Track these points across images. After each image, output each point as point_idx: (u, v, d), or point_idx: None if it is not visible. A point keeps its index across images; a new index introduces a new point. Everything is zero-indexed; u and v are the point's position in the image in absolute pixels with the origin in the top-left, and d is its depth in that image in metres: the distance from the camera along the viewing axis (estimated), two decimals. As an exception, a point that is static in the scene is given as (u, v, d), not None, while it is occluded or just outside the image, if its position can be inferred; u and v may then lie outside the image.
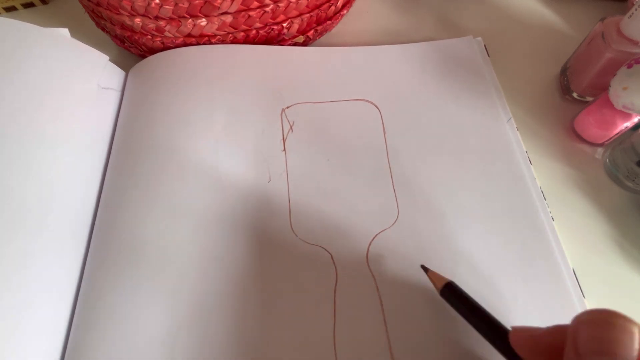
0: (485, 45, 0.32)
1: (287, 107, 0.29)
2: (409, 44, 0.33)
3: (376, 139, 0.28)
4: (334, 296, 0.22)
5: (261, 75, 0.30)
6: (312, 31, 0.33)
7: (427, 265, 0.22)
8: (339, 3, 0.33)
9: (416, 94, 0.30)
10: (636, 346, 0.11)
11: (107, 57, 0.29)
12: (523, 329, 0.15)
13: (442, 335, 0.21)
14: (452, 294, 0.20)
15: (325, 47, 0.32)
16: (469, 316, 0.19)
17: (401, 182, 0.26)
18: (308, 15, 0.31)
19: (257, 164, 0.26)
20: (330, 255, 0.23)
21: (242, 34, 0.30)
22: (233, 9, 0.28)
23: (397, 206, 0.25)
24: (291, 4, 0.29)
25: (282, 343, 0.21)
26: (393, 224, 0.24)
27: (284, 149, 0.27)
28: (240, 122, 0.28)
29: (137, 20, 0.28)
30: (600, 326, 0.12)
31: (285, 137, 0.27)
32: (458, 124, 0.28)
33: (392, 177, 0.26)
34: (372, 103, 0.29)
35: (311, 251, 0.23)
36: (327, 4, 0.32)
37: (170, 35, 0.30)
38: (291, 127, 0.28)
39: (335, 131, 0.28)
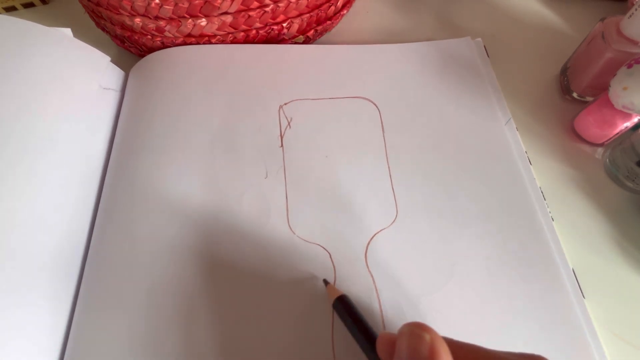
0: (484, 46, 0.32)
1: (285, 104, 0.29)
2: (408, 44, 0.33)
3: (375, 137, 0.27)
4: None
5: (259, 72, 0.30)
6: (312, 31, 0.33)
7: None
8: (339, 3, 0.33)
9: (415, 94, 0.30)
10: (426, 350, 0.14)
11: (109, 58, 0.29)
12: (386, 334, 0.17)
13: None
14: (343, 307, 0.20)
15: (324, 45, 0.32)
16: (352, 328, 0.19)
17: (400, 182, 0.26)
18: (308, 15, 0.31)
19: (254, 160, 0.26)
20: (329, 253, 0.23)
21: (242, 34, 0.30)
22: (233, 9, 0.28)
23: (396, 206, 0.25)
24: (291, 4, 0.29)
25: (280, 342, 0.21)
26: (392, 223, 0.24)
27: (282, 145, 0.27)
28: (237, 119, 0.28)
29: (137, 20, 0.28)
30: (410, 337, 0.15)
31: (282, 133, 0.27)
32: (456, 124, 0.28)
33: (390, 176, 0.26)
34: (370, 101, 0.29)
35: (309, 249, 0.23)
36: (327, 4, 0.32)
37: (170, 35, 0.30)
38: (289, 123, 0.28)
39: (333, 128, 0.28)
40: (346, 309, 0.20)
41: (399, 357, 0.15)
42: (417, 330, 0.15)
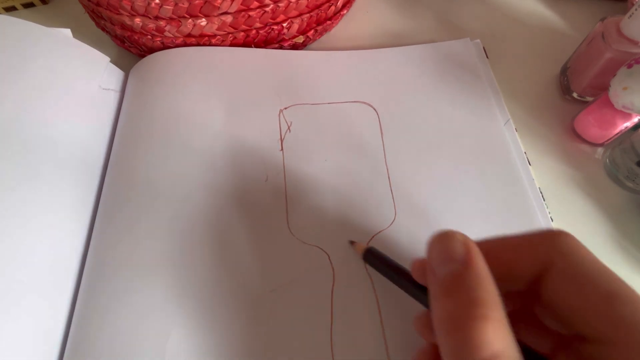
0: (484, 47, 0.32)
1: (285, 108, 0.29)
2: (406, 47, 0.33)
3: (373, 140, 0.28)
4: (331, 296, 0.22)
5: (260, 76, 0.30)
6: (312, 31, 0.33)
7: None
8: (339, 3, 0.33)
9: (413, 96, 0.30)
10: (461, 247, 0.14)
11: (109, 58, 0.29)
12: (417, 259, 0.17)
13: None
14: (374, 257, 0.21)
15: (324, 51, 0.32)
16: (389, 274, 0.20)
17: (398, 184, 0.26)
18: (308, 15, 0.31)
19: (254, 163, 0.26)
20: (328, 255, 0.23)
21: (242, 34, 0.30)
22: (233, 9, 0.28)
23: (395, 207, 0.25)
24: (291, 4, 0.29)
25: (279, 343, 0.21)
26: (390, 225, 0.24)
27: (282, 149, 0.27)
28: (238, 122, 0.28)
29: (137, 20, 0.28)
30: (440, 240, 0.14)
31: (282, 137, 0.27)
32: (455, 126, 0.28)
33: (389, 178, 0.26)
34: (369, 105, 0.29)
35: (308, 251, 0.23)
36: (327, 4, 0.32)
37: (170, 35, 0.30)
38: (289, 127, 0.28)
39: (332, 132, 0.28)
40: (377, 257, 0.21)
41: (432, 265, 0.14)
42: (446, 232, 0.14)
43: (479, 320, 0.12)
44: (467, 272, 0.13)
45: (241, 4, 0.28)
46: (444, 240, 0.14)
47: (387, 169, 0.26)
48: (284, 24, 0.31)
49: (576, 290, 0.14)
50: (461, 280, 0.13)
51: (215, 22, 0.29)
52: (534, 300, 0.16)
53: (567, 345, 0.15)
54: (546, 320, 0.16)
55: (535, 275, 0.15)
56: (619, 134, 0.27)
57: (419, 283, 0.17)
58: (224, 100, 0.29)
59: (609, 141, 0.28)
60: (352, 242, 0.23)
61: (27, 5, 0.37)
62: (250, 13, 0.29)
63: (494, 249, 0.15)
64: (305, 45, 0.34)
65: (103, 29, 0.33)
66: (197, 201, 0.25)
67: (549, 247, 0.15)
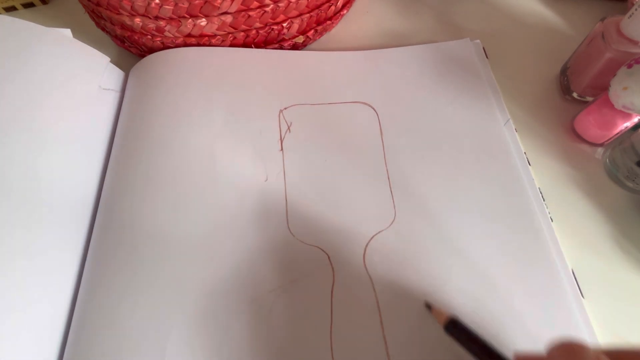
0: (484, 47, 0.32)
1: (285, 108, 0.29)
2: (406, 47, 0.33)
3: (373, 140, 0.28)
4: (331, 297, 0.22)
5: (260, 76, 0.30)
6: (312, 31, 0.33)
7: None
8: (339, 3, 0.33)
9: (413, 97, 0.30)
10: None
11: (109, 59, 0.29)
12: (521, 354, 0.16)
13: (439, 336, 0.21)
14: (456, 329, 0.20)
15: (324, 52, 0.32)
16: (473, 349, 0.19)
17: (398, 184, 0.26)
18: (308, 15, 0.31)
19: (254, 163, 0.26)
20: (328, 255, 0.23)
21: (242, 34, 0.30)
22: (233, 9, 0.28)
23: (394, 207, 0.25)
24: (291, 4, 0.29)
25: (278, 343, 0.21)
26: (390, 225, 0.24)
27: (282, 149, 0.27)
28: (238, 122, 0.28)
29: (137, 20, 0.28)
30: (568, 354, 0.13)
31: (282, 137, 0.27)
32: (455, 126, 0.28)
33: (389, 178, 0.26)
34: (369, 105, 0.29)
35: (308, 251, 0.23)
36: (327, 4, 0.32)
37: (170, 35, 0.30)
38: (289, 127, 0.28)
39: (332, 133, 0.28)
40: (462, 331, 0.19)
41: None
42: (576, 345, 0.13)
43: None
44: None
45: (241, 4, 0.28)
46: (574, 355, 0.13)
47: (387, 169, 0.26)
48: (284, 24, 0.31)
49: None
50: None
51: (215, 22, 0.29)
52: None
53: None
54: None
55: None
56: (619, 134, 0.27)
57: None
58: (224, 100, 0.29)
59: (609, 141, 0.28)
60: (429, 307, 0.21)
61: (27, 5, 0.37)
62: (250, 13, 0.29)
63: None
64: (305, 45, 0.34)
65: (103, 29, 0.33)
66: (196, 200, 0.25)
67: None
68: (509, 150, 0.27)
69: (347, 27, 0.36)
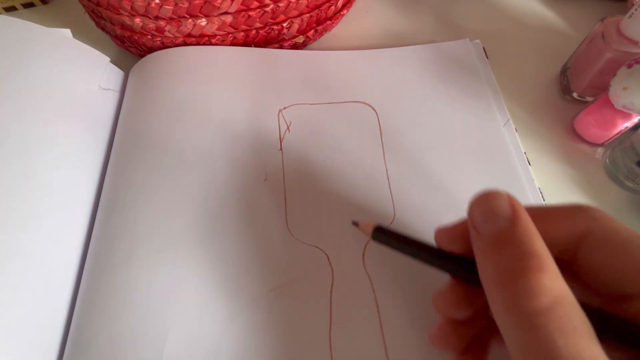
0: (483, 47, 0.32)
1: (284, 108, 0.29)
2: (406, 47, 0.33)
3: (373, 140, 0.28)
4: (330, 297, 0.22)
5: (259, 76, 0.30)
6: (312, 31, 0.33)
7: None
8: (339, 3, 0.33)
9: (412, 97, 0.30)
10: (506, 205, 0.14)
11: (108, 58, 0.29)
12: (442, 226, 0.17)
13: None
14: (384, 234, 0.19)
15: (324, 51, 0.32)
16: (404, 249, 0.19)
17: (398, 184, 0.26)
18: (308, 15, 0.31)
19: (253, 163, 0.26)
20: (327, 255, 0.23)
21: (242, 34, 0.30)
22: (233, 9, 0.28)
23: (394, 207, 0.25)
24: (291, 4, 0.29)
25: (277, 343, 0.21)
26: (389, 225, 0.24)
27: (281, 149, 0.27)
28: (237, 121, 0.28)
29: (137, 20, 0.28)
30: (483, 200, 0.14)
31: (282, 136, 0.27)
32: (454, 126, 0.28)
33: (388, 178, 0.26)
34: (369, 105, 0.29)
35: (307, 251, 0.23)
36: (327, 4, 0.32)
37: (170, 35, 0.30)
38: (288, 127, 0.28)
39: (332, 132, 0.28)
40: (389, 234, 0.19)
41: (475, 224, 0.14)
42: (489, 191, 0.14)
43: (535, 270, 0.12)
44: (515, 228, 0.13)
45: (241, 4, 0.28)
46: (488, 200, 0.14)
47: (387, 169, 0.26)
48: (284, 24, 0.31)
49: (618, 252, 0.14)
50: (510, 235, 0.13)
51: (215, 22, 0.29)
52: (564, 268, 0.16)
53: (608, 306, 0.15)
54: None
55: (570, 244, 0.15)
56: (619, 134, 0.27)
57: (444, 252, 0.17)
58: (224, 99, 0.29)
59: (609, 141, 0.28)
60: (355, 223, 0.21)
61: (27, 5, 0.37)
62: (250, 13, 0.29)
63: (533, 217, 0.15)
64: (305, 45, 0.34)
65: (103, 29, 0.33)
66: (195, 201, 0.25)
67: (585, 216, 0.15)
68: (509, 150, 0.27)
69: (347, 27, 0.36)
